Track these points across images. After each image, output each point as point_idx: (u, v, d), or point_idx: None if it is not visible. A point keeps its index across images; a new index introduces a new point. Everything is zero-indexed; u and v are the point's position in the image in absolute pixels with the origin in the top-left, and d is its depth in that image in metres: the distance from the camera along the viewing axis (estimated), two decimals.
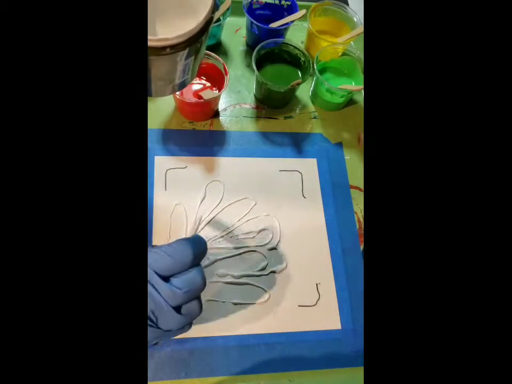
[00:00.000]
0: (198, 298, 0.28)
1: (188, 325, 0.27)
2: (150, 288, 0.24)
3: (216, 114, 0.52)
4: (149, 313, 0.24)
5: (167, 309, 0.25)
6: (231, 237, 0.45)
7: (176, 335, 0.28)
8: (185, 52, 0.23)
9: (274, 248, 0.45)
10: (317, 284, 0.44)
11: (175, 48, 0.22)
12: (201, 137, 0.50)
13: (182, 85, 0.27)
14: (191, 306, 0.27)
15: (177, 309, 0.26)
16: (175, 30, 0.21)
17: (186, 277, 0.26)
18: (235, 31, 0.59)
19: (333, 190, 0.49)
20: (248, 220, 0.46)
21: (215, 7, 0.23)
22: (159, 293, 0.24)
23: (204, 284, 0.27)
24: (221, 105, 0.52)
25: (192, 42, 0.22)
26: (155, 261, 0.25)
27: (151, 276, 0.25)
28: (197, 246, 0.28)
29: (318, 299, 0.43)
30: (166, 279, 0.26)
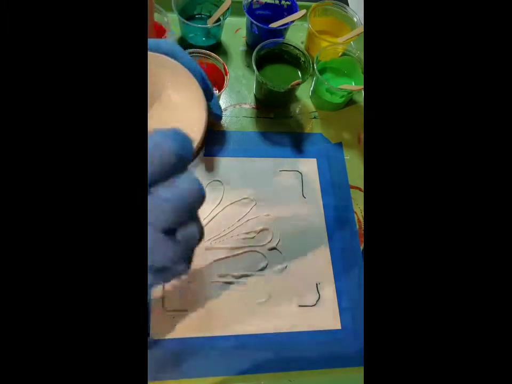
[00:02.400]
0: (195, 218, 0.20)
1: (184, 262, 0.20)
2: None
3: None
4: None
5: (154, 231, 0.18)
6: (231, 237, 0.45)
7: (170, 279, 0.20)
8: None
9: (274, 248, 0.45)
10: (317, 284, 0.44)
11: None
12: None
13: None
14: (186, 227, 0.19)
15: (170, 233, 0.19)
16: None
17: (176, 184, 0.18)
18: (235, 31, 0.59)
19: (333, 190, 0.49)
20: (248, 220, 0.46)
21: (203, 147, 0.20)
22: None
23: (203, 196, 0.19)
24: (221, 105, 0.52)
25: None
26: None
27: None
28: (181, 144, 0.18)
29: (318, 299, 0.43)
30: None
